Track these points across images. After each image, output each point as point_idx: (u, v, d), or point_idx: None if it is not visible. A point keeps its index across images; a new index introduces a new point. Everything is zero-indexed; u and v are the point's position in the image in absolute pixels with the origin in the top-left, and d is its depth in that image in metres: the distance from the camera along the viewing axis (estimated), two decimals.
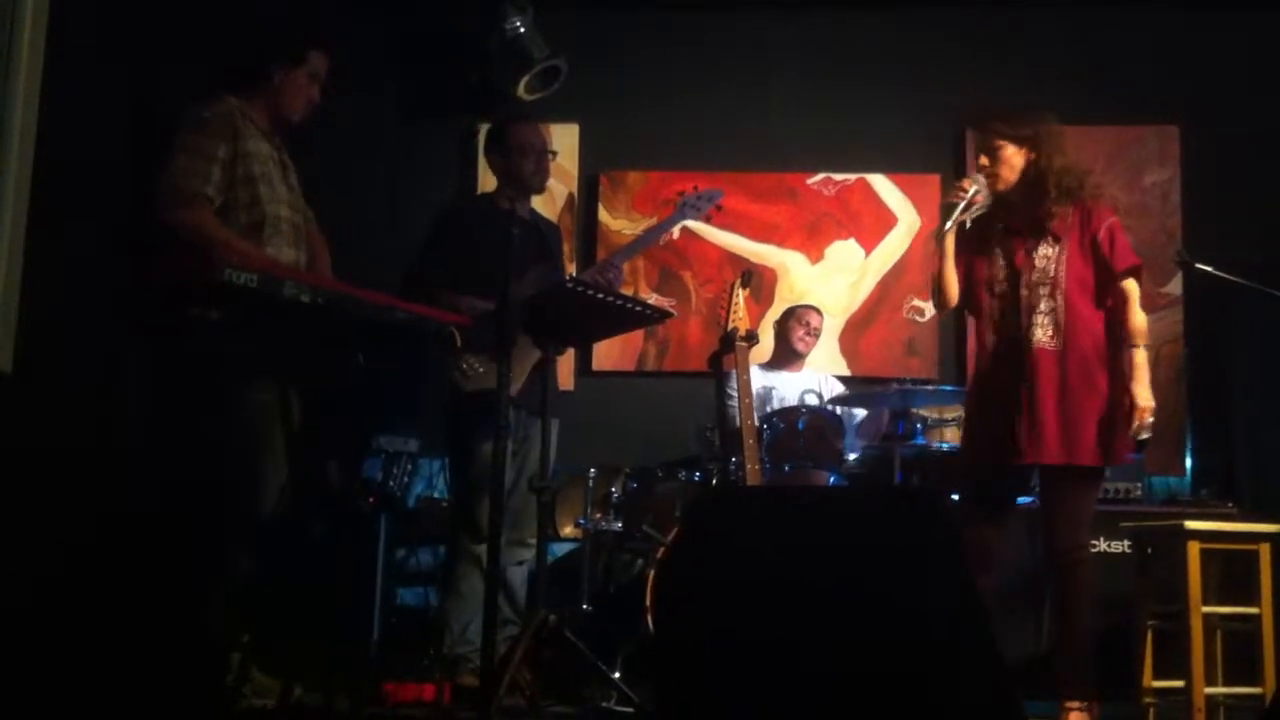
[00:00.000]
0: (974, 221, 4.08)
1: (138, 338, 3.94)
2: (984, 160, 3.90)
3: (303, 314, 3.28)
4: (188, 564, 3.65)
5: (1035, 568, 4.30)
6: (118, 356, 4.06)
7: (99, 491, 3.91)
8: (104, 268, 3.99)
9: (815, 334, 5.49)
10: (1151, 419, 3.74)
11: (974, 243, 3.99)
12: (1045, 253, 3.84)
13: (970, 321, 4.73)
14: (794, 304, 5.70)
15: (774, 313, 5.83)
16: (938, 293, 4.02)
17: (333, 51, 3.98)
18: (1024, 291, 3.84)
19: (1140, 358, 3.78)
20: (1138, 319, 3.80)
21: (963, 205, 3.89)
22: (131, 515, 3.87)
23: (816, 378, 5.48)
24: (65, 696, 3.34)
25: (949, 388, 5.21)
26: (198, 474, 3.72)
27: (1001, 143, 3.87)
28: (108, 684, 3.43)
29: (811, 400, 5.25)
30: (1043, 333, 3.79)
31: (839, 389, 5.43)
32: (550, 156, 4.50)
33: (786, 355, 5.49)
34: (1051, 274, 3.82)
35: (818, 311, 5.56)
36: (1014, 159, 3.87)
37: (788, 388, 5.38)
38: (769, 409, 5.06)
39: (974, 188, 3.91)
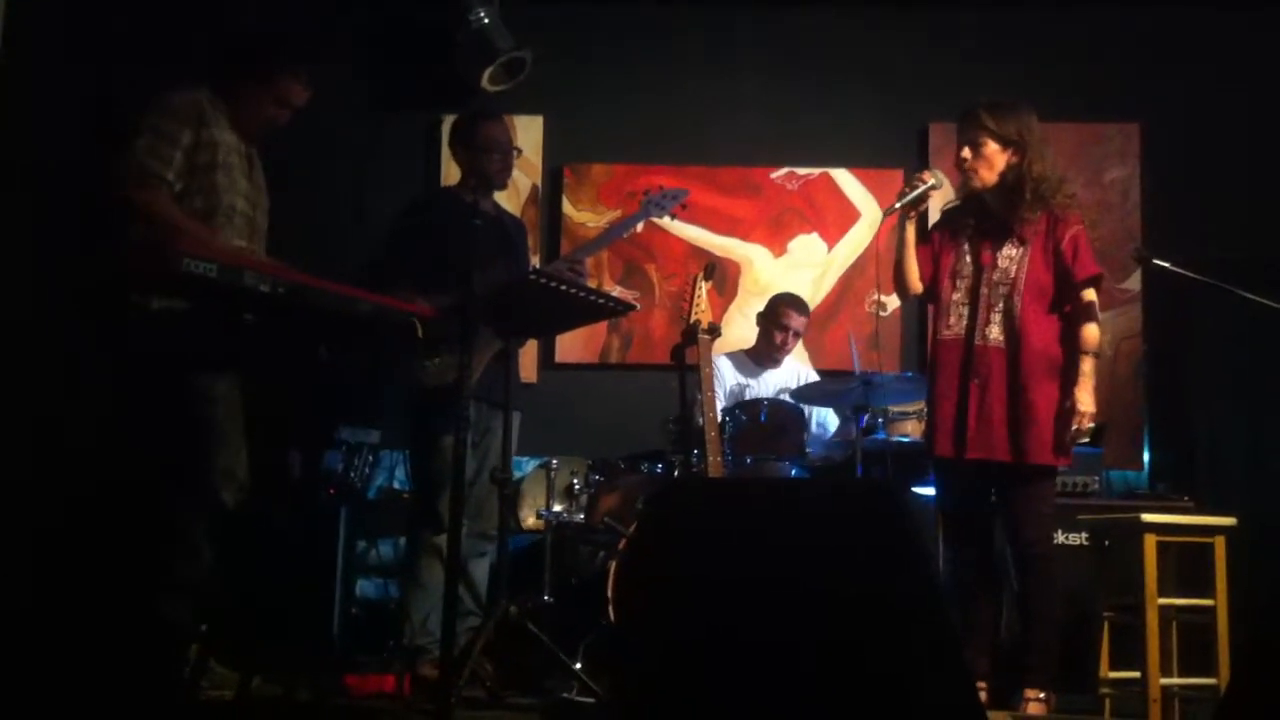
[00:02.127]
0: (947, 212, 4.10)
1: (96, 330, 3.92)
2: (966, 153, 3.90)
3: (263, 304, 3.26)
4: (147, 556, 3.63)
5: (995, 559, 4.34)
6: (76, 349, 4.03)
7: (58, 484, 3.88)
8: (61, 261, 3.96)
9: (796, 337, 5.44)
10: (1091, 425, 3.80)
11: (946, 234, 4.02)
12: (1009, 254, 3.88)
13: (931, 316, 4.75)
14: (780, 293, 5.57)
15: (739, 303, 5.84)
16: (899, 280, 4.06)
17: (314, 84, 3.95)
18: (984, 290, 3.87)
19: (1088, 365, 3.82)
20: (1091, 328, 3.84)
21: (914, 195, 3.92)
22: (91, 507, 3.84)
23: (795, 374, 5.45)
24: (23, 688, 3.31)
25: (909, 374, 5.22)
26: (157, 466, 3.70)
27: (986, 139, 3.87)
28: (66, 676, 3.40)
29: (784, 398, 5.24)
30: (997, 331, 3.84)
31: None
32: (515, 154, 4.49)
33: (767, 353, 5.43)
34: (1012, 276, 3.86)
35: (800, 311, 5.42)
36: (995, 158, 3.88)
37: (763, 388, 5.35)
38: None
39: (932, 181, 3.94)
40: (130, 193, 3.62)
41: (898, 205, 3.94)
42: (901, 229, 4.01)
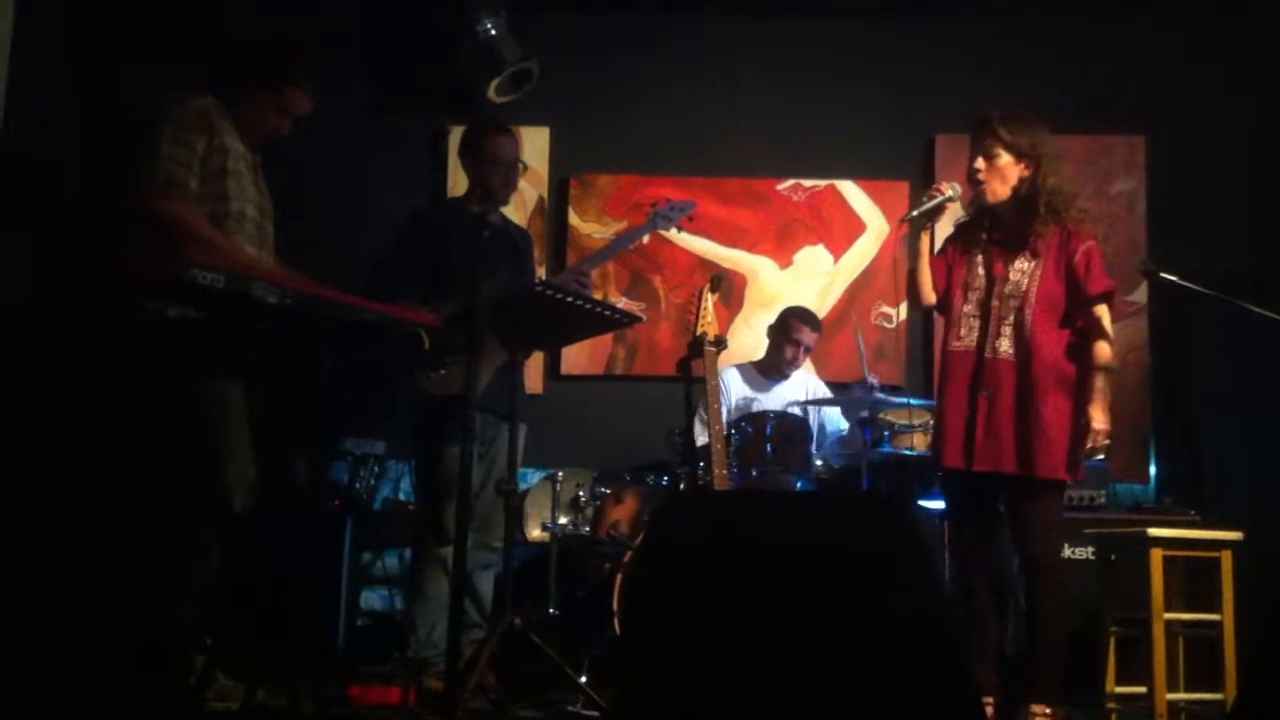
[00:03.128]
0: (961, 226, 4.10)
1: (102, 337, 3.92)
2: (980, 164, 3.90)
3: (271, 315, 3.26)
4: (153, 564, 3.63)
5: (1001, 572, 4.34)
6: (82, 356, 4.04)
7: (64, 492, 3.88)
8: (67, 266, 3.96)
9: (807, 351, 5.44)
10: (1107, 441, 3.78)
11: (959, 247, 4.02)
12: (1021, 267, 3.87)
13: (938, 328, 4.76)
14: (791, 306, 5.58)
15: (746, 315, 5.85)
16: (912, 291, 4.05)
17: (318, 94, 3.96)
18: (995, 302, 3.87)
19: (1101, 382, 3.80)
20: (1104, 344, 3.83)
21: (931, 205, 3.91)
22: (99, 514, 3.85)
23: (804, 387, 5.45)
24: (30, 696, 3.31)
25: (918, 401, 5.21)
26: (163, 475, 3.71)
27: (1001, 150, 3.86)
28: (73, 684, 3.40)
29: (794, 412, 5.24)
30: (1007, 343, 3.83)
31: (825, 394, 5.43)
32: (520, 169, 4.49)
33: (776, 366, 5.44)
34: (1023, 288, 3.85)
35: (812, 327, 5.43)
36: (1008, 170, 3.87)
37: (771, 402, 5.34)
38: None
39: (949, 192, 3.93)
40: (158, 202, 3.63)
41: (915, 214, 3.93)
42: (915, 239, 4.00)
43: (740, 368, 5.45)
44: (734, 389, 5.35)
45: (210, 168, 3.71)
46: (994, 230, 3.95)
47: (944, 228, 4.19)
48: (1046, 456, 3.76)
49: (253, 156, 3.91)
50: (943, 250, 4.09)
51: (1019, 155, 3.86)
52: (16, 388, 3.76)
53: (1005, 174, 3.88)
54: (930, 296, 4.04)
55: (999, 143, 3.86)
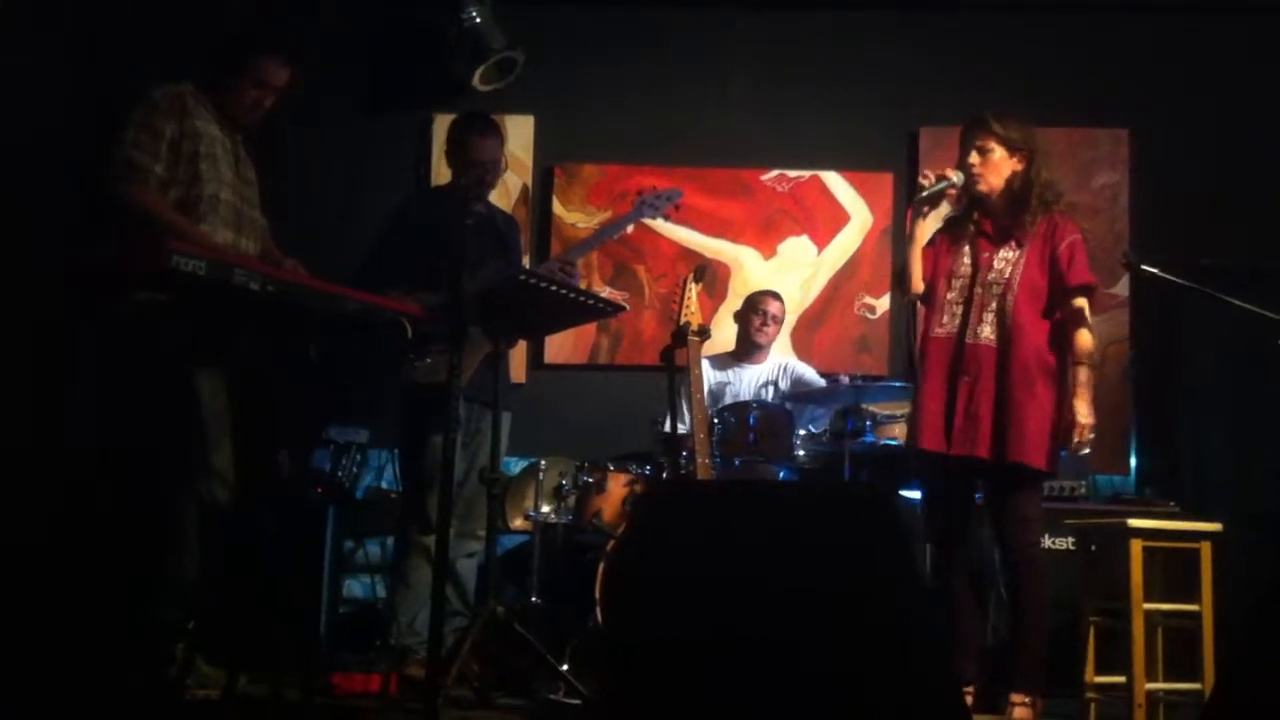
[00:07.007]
0: (950, 221, 4.12)
1: (84, 325, 3.91)
2: (974, 159, 3.93)
3: (252, 302, 3.26)
4: (136, 556, 3.63)
5: (983, 563, 4.35)
6: (67, 347, 4.03)
7: (46, 480, 3.88)
8: (50, 255, 3.96)
9: (775, 321, 5.48)
10: (1092, 435, 3.80)
11: (947, 239, 4.04)
12: (1005, 256, 3.90)
13: (921, 317, 4.76)
14: (752, 292, 5.67)
15: (729, 305, 5.86)
16: (903, 278, 4.07)
17: (297, 62, 3.95)
18: (978, 289, 3.89)
19: (1084, 375, 3.83)
20: (1084, 337, 3.85)
21: (937, 188, 3.92)
22: (79, 504, 3.84)
23: (776, 368, 5.46)
24: (10, 686, 3.30)
25: (898, 384, 5.23)
26: (146, 463, 3.70)
27: (995, 145, 3.90)
28: (55, 674, 3.40)
29: (768, 394, 5.26)
30: (989, 330, 3.85)
31: (808, 373, 5.44)
32: (502, 168, 4.47)
33: (747, 347, 5.49)
34: (1006, 277, 3.87)
35: (776, 298, 5.53)
36: (1002, 165, 3.91)
37: (744, 383, 5.38)
38: (721, 405, 5.06)
39: (954, 177, 3.94)
40: (118, 187, 3.65)
41: (925, 194, 3.94)
42: (913, 225, 4.02)
43: (712, 358, 5.45)
44: (707, 377, 5.34)
45: (182, 152, 3.73)
46: (983, 221, 3.98)
47: (933, 222, 4.21)
48: (1024, 444, 3.77)
49: (233, 141, 3.91)
50: (931, 241, 4.11)
51: (1012, 149, 3.91)
52: (6, 379, 3.76)
53: (999, 168, 3.92)
54: (918, 286, 4.06)
55: (993, 137, 3.90)
